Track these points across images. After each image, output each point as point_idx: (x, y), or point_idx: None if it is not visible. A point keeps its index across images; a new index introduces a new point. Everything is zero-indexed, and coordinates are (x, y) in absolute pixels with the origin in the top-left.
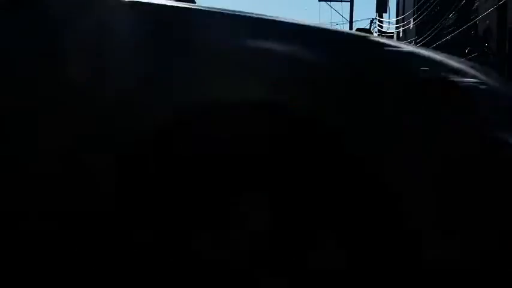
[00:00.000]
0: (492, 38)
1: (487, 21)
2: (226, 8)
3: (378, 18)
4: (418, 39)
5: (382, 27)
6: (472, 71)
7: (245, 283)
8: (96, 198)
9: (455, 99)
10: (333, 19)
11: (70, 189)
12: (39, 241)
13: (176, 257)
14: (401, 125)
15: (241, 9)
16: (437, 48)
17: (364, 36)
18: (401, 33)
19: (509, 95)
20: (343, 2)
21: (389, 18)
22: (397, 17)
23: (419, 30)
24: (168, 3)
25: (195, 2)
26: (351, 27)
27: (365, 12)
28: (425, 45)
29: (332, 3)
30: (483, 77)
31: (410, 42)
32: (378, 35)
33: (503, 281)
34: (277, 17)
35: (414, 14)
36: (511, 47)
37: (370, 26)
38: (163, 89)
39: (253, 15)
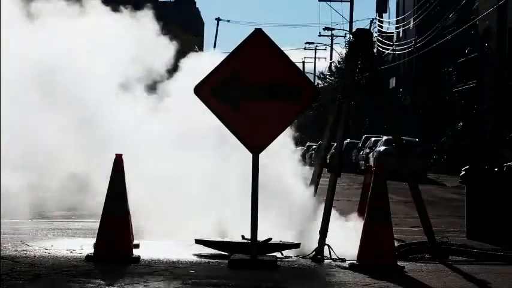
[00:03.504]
0: (492, 38)
1: (487, 21)
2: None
3: (378, 18)
4: (418, 39)
5: (382, 27)
6: None
7: None
8: None
9: None
10: (333, 19)
11: None
12: None
13: None
14: None
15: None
16: (437, 48)
17: None
18: (401, 33)
19: None
20: (343, 2)
21: (389, 18)
22: (397, 17)
23: (419, 30)
24: None
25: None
26: (350, 27)
27: (365, 12)
28: (425, 45)
29: (332, 3)
30: None
31: (410, 42)
32: (378, 35)
33: None
34: None
35: (414, 14)
36: (511, 47)
37: (370, 26)
38: None
39: None
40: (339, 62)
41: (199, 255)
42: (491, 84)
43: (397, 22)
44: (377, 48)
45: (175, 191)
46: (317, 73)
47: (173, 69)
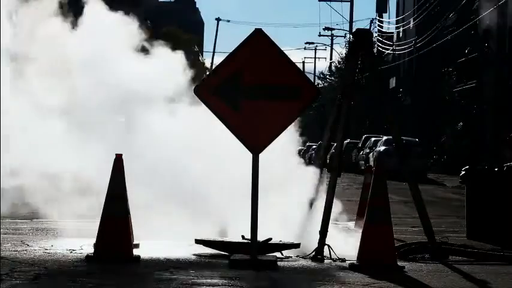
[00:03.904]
0: (492, 38)
1: (487, 21)
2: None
3: (378, 18)
4: (418, 39)
5: (382, 27)
6: None
7: None
8: None
9: None
10: (333, 19)
11: None
12: None
13: None
14: None
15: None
16: (437, 48)
17: None
18: (401, 33)
19: None
20: (343, 2)
21: (389, 18)
22: (397, 17)
23: (419, 30)
24: None
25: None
26: (350, 27)
27: (365, 12)
28: (425, 45)
29: (332, 3)
30: None
31: (410, 42)
32: (378, 35)
33: None
34: None
35: (414, 14)
36: (511, 47)
37: (370, 26)
38: None
39: None
40: (339, 62)
41: (199, 255)
42: (491, 84)
43: (397, 22)
44: (377, 48)
45: (175, 191)
46: (317, 73)
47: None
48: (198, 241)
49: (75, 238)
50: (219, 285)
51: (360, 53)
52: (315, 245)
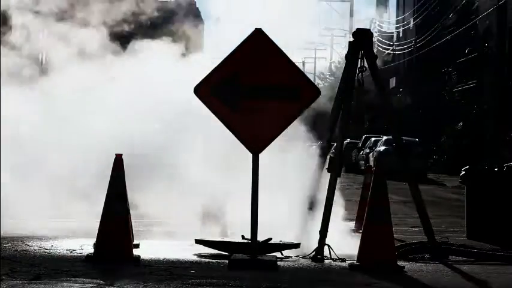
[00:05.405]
0: (492, 38)
1: (487, 21)
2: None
3: (378, 18)
4: (418, 39)
5: (382, 27)
6: None
7: None
8: None
9: None
10: (333, 19)
11: None
12: None
13: None
14: None
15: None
16: (437, 48)
17: None
18: (401, 33)
19: None
20: (343, 2)
21: (389, 18)
22: (397, 17)
23: (419, 30)
24: None
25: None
26: (351, 27)
27: (365, 12)
28: (425, 45)
29: (332, 3)
30: None
31: (410, 42)
32: (378, 35)
33: None
34: None
35: (414, 14)
36: (511, 47)
37: (370, 26)
38: None
39: None
40: (339, 62)
41: (199, 255)
42: (491, 84)
43: (397, 22)
44: (377, 48)
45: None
46: (317, 73)
47: None
48: (198, 241)
49: (75, 238)
50: (219, 285)
51: (360, 53)
52: (315, 245)
